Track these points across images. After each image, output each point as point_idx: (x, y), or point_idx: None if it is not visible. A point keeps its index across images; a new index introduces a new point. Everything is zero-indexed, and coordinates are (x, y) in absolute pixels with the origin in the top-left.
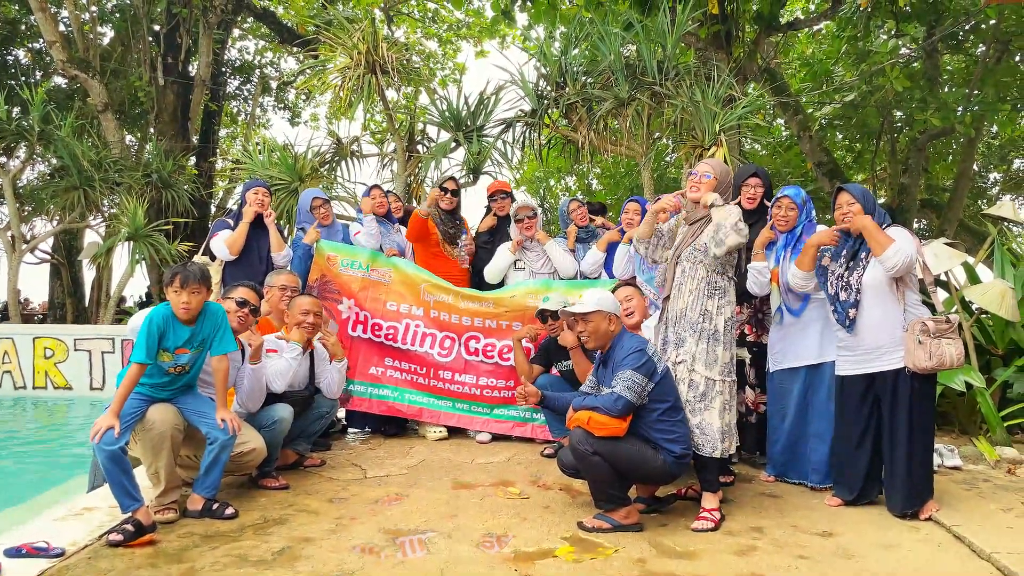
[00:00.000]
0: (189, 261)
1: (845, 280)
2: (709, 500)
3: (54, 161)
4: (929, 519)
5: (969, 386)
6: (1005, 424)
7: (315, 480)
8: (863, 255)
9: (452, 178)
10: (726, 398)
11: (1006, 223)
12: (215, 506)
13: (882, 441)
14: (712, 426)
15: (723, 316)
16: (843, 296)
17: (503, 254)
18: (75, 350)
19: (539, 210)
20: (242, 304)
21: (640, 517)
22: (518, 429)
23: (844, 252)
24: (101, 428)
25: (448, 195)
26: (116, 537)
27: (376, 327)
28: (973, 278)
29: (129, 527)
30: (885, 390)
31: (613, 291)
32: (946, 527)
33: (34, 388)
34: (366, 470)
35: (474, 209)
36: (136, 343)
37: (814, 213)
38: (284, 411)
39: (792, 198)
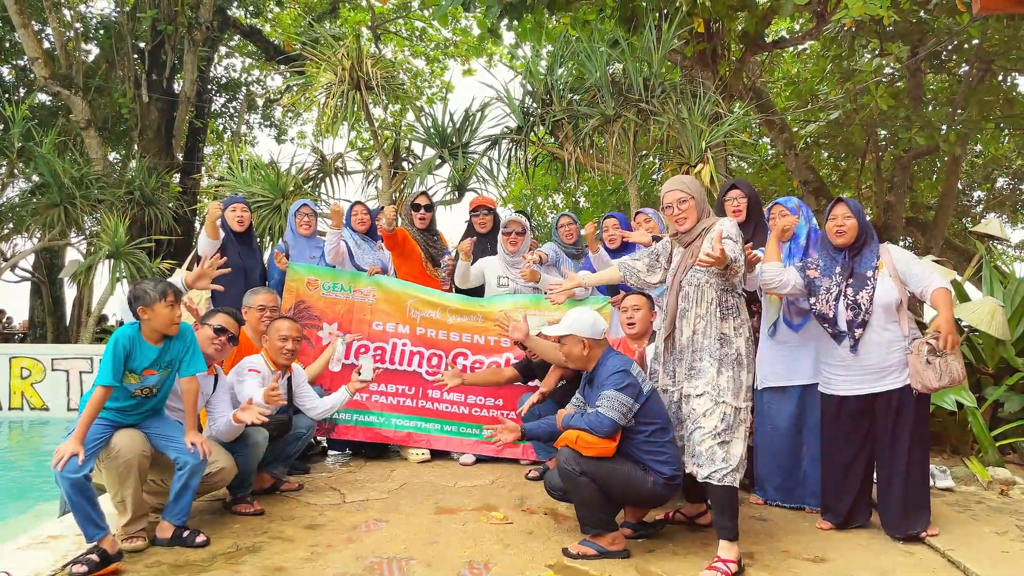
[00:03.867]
0: (161, 279)
1: (851, 299)
2: (726, 549)
3: (35, 178)
4: (922, 542)
5: (960, 405)
6: (997, 444)
7: (291, 505)
8: (868, 273)
9: (424, 193)
10: (747, 425)
11: (992, 241)
12: (185, 534)
13: (876, 462)
14: (737, 457)
15: (742, 337)
16: (848, 315)
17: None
18: (52, 370)
19: (528, 227)
20: (220, 332)
21: (627, 543)
22: (508, 449)
23: (838, 269)
24: (64, 455)
25: (421, 211)
26: (80, 568)
27: (361, 350)
28: (962, 296)
29: (94, 557)
30: (888, 410)
31: (622, 299)
32: (940, 552)
33: (10, 409)
34: (345, 494)
35: (459, 225)
36: (101, 365)
37: (814, 220)
38: (258, 435)
39: (783, 204)
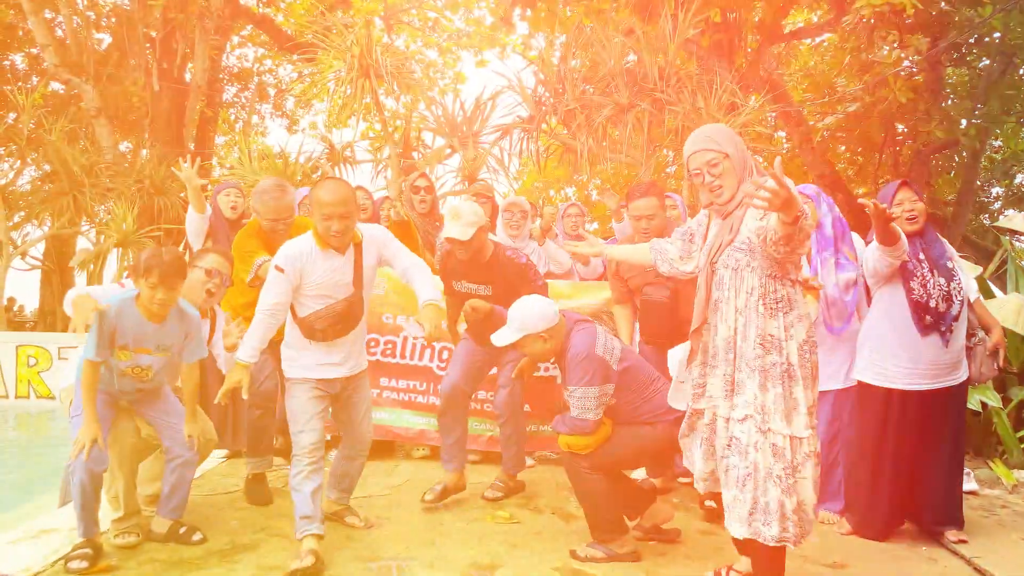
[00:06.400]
0: (163, 249)
1: (945, 289)
2: None
3: (46, 166)
4: (947, 548)
5: (984, 406)
6: (1022, 446)
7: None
8: (948, 264)
9: (423, 174)
10: (813, 461)
11: (1016, 236)
12: (181, 530)
13: (920, 461)
14: (809, 505)
15: (795, 340)
16: (943, 307)
17: None
18: (59, 359)
19: (529, 210)
20: (212, 274)
21: (637, 546)
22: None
23: (921, 256)
24: (86, 443)
25: (421, 193)
26: (79, 564)
27: (372, 343)
28: (986, 293)
29: (89, 551)
30: (949, 405)
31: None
32: (965, 558)
33: (16, 398)
34: None
35: None
36: (88, 338)
37: (836, 209)
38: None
39: (802, 189)
